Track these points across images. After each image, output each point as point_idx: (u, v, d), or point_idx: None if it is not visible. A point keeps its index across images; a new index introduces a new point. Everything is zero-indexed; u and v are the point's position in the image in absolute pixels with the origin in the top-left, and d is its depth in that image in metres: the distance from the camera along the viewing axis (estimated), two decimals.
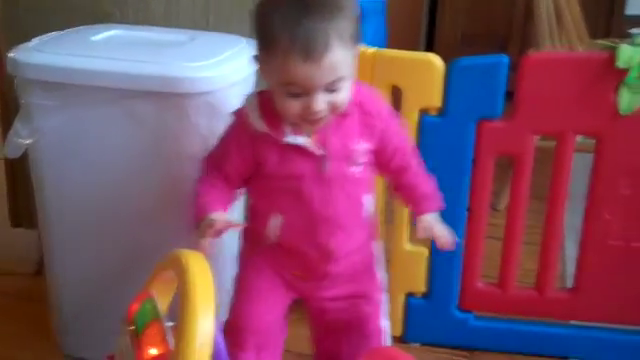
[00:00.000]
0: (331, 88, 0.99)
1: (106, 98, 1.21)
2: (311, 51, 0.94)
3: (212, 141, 1.14)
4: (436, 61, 1.38)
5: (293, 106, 1.00)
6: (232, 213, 1.18)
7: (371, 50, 1.41)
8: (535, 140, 1.42)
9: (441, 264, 1.48)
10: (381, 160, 1.14)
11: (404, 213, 1.46)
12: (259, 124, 1.06)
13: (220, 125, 1.14)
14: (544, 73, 1.36)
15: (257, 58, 1.05)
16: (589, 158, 1.42)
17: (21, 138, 1.24)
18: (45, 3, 1.56)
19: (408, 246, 1.50)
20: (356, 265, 1.17)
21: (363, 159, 1.10)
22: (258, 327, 1.15)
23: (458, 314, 1.51)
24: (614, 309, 1.46)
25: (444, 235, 1.16)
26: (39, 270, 1.64)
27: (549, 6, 2.06)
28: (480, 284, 1.50)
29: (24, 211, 1.68)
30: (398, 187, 1.19)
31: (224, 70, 1.24)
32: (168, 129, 1.22)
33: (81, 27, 1.41)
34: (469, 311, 1.52)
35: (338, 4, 0.98)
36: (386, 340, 1.20)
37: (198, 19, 1.53)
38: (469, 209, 1.44)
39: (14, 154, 1.26)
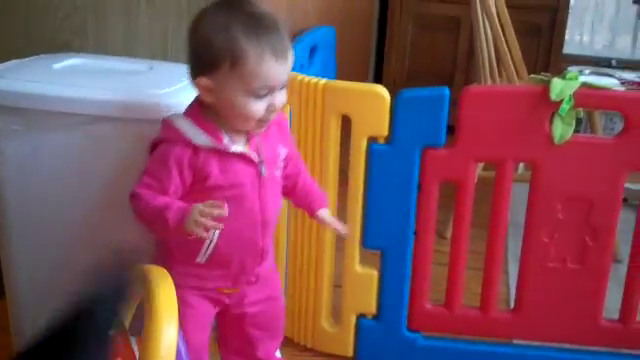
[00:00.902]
0: (284, 86, 1.15)
1: (68, 123, 1.25)
2: (280, 52, 1.10)
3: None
4: (383, 92, 1.45)
5: (258, 108, 1.12)
6: None
7: (322, 81, 1.48)
8: (476, 167, 1.50)
9: (391, 286, 1.53)
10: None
11: (355, 236, 1.52)
12: (202, 139, 1.13)
13: None
14: (483, 104, 1.44)
15: (207, 78, 1.12)
16: None
17: None
18: (5, 31, 1.59)
19: (359, 268, 1.55)
20: (271, 264, 1.29)
21: (282, 163, 1.24)
22: (199, 351, 1.23)
23: (407, 334, 1.56)
24: (553, 328, 1.54)
25: (340, 225, 1.34)
26: None
27: (489, 46, 2.17)
28: (428, 305, 1.56)
29: None
30: (294, 190, 1.31)
31: (182, 97, 1.28)
32: (127, 153, 1.26)
33: (43, 55, 1.45)
34: (418, 331, 1.57)
35: (278, 19, 1.14)
36: None
37: (156, 50, 1.58)
38: (416, 232, 1.50)
39: None
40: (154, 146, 1.16)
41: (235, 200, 1.14)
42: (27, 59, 1.42)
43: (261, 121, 1.14)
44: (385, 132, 1.46)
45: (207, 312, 1.24)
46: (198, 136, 1.12)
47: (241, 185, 1.16)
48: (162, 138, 1.15)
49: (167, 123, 1.15)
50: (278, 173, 1.23)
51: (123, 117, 1.24)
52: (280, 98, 1.14)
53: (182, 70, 1.41)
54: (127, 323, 0.99)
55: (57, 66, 1.38)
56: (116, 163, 1.26)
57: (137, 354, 0.92)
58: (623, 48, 3.38)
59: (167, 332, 0.86)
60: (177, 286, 1.12)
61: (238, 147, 1.15)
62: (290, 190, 1.31)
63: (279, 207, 1.27)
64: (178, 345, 0.89)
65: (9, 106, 1.25)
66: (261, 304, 1.28)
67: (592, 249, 1.49)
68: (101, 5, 1.59)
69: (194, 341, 1.20)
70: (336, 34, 2.36)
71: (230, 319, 1.29)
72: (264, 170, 1.17)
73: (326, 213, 1.33)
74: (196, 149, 1.12)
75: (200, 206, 1.07)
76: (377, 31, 3.55)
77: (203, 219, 1.06)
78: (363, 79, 3.33)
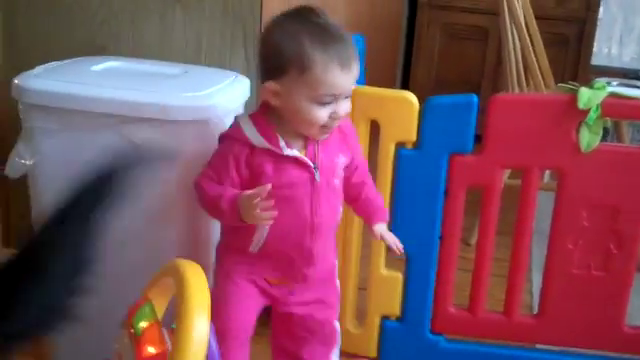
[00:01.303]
0: (348, 96, 1.18)
1: (104, 123, 1.28)
2: (346, 62, 1.15)
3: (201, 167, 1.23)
4: (412, 98, 1.48)
5: (322, 114, 1.16)
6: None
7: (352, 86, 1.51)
8: (503, 174, 1.52)
9: (415, 289, 1.55)
10: (345, 174, 1.29)
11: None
12: (258, 140, 1.19)
13: (211, 152, 1.23)
14: (511, 112, 1.46)
15: (275, 83, 1.16)
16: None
17: (22, 159, 1.31)
18: (45, 34, 1.64)
19: (384, 271, 1.57)
20: (325, 270, 1.31)
21: (341, 172, 1.26)
22: (239, 330, 1.27)
23: (431, 337, 1.58)
24: (576, 333, 1.55)
25: (396, 241, 1.34)
26: None
27: (517, 56, 2.18)
28: (452, 309, 1.57)
29: (16, 231, 1.73)
30: (356, 199, 1.33)
31: (217, 100, 1.32)
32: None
33: (81, 57, 1.49)
34: (441, 334, 1.59)
35: (343, 30, 1.18)
36: (339, 339, 1.37)
37: (190, 55, 1.62)
38: (441, 237, 1.52)
39: (15, 174, 1.32)
40: (220, 139, 1.23)
41: (286, 200, 1.19)
42: (66, 61, 1.46)
43: (324, 127, 1.18)
44: (413, 137, 1.49)
45: (251, 294, 1.27)
46: (255, 137, 1.19)
47: (292, 186, 1.20)
48: (226, 135, 1.22)
49: (235, 121, 1.22)
50: (337, 182, 1.26)
51: (159, 118, 1.27)
52: (344, 107, 1.18)
53: (216, 74, 1.46)
54: (160, 315, 1.02)
55: (95, 68, 1.42)
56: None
57: (169, 345, 0.95)
58: None
59: (199, 325, 0.89)
60: (229, 270, 1.24)
61: (293, 151, 1.19)
62: (353, 199, 1.33)
63: (336, 215, 1.28)
64: (209, 338, 0.91)
65: (47, 106, 1.29)
66: (309, 306, 1.30)
67: (616, 256, 1.49)
68: (137, 11, 1.63)
69: (234, 320, 1.24)
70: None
71: (279, 317, 1.32)
72: (318, 176, 1.21)
73: (383, 228, 1.34)
74: (253, 148, 1.19)
75: (245, 196, 1.14)
76: (405, 40, 3.57)
77: (257, 212, 1.12)
78: (390, 87, 3.35)
